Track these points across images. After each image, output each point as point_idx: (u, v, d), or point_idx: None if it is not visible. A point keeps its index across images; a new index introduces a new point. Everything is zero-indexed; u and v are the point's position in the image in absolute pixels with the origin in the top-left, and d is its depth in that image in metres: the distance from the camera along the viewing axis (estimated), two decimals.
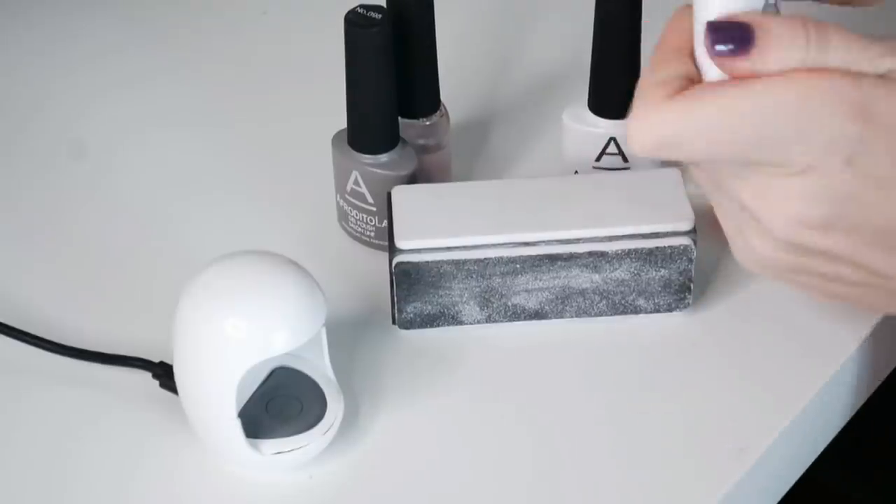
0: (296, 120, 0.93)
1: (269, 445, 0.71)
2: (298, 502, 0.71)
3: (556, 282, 0.77)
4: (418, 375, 0.77)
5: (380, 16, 0.78)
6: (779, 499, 0.77)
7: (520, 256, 0.76)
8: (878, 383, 0.82)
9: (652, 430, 0.74)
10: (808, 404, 0.75)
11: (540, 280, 0.77)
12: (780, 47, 0.60)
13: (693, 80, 0.62)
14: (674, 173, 0.79)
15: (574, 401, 0.75)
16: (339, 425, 0.72)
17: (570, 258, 0.76)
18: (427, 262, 0.76)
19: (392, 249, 0.77)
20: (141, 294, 0.82)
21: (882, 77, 0.60)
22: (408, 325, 0.78)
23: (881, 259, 0.63)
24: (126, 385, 0.76)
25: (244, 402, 0.72)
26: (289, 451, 0.71)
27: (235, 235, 0.84)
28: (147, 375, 0.75)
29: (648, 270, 0.77)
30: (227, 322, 0.68)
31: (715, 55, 0.60)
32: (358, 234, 0.84)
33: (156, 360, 0.75)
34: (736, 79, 0.60)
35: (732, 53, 0.60)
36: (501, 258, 0.76)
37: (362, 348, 0.78)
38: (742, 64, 0.60)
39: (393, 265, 0.76)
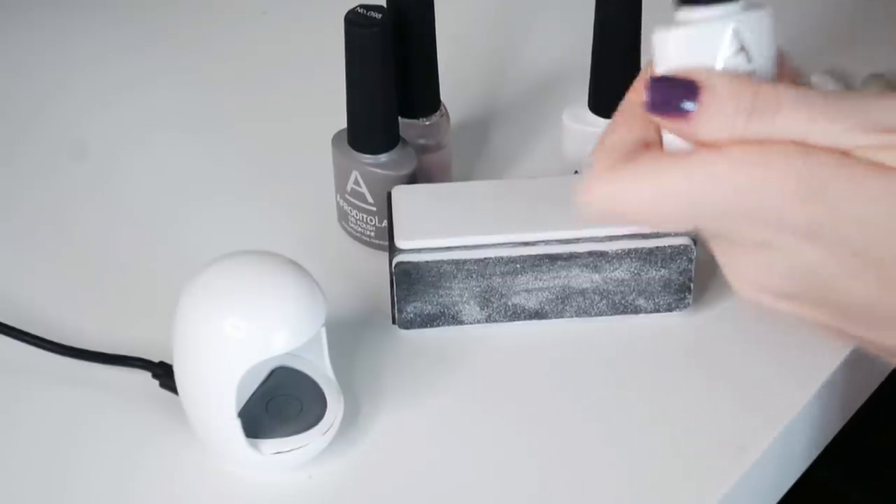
0: (296, 120, 0.93)
1: (269, 445, 0.71)
2: (298, 502, 0.71)
3: (556, 282, 0.77)
4: (418, 375, 0.77)
5: (380, 16, 0.78)
6: (778, 499, 0.77)
7: (520, 256, 0.76)
8: (877, 383, 0.82)
9: (652, 429, 0.74)
10: (807, 404, 0.75)
11: (540, 280, 0.77)
12: (721, 112, 0.56)
13: (649, 144, 0.59)
14: None
15: (574, 400, 0.75)
16: (338, 425, 0.72)
17: (570, 258, 0.76)
18: (427, 261, 0.76)
19: (392, 249, 0.77)
20: (141, 294, 0.82)
21: (843, 153, 0.56)
22: (408, 324, 0.78)
23: (859, 330, 0.59)
24: (126, 385, 0.76)
25: (244, 401, 0.72)
26: (288, 451, 0.71)
27: (235, 235, 0.84)
28: (147, 375, 0.75)
29: (648, 270, 0.77)
30: (227, 322, 0.68)
31: (651, 111, 0.58)
32: (358, 234, 0.84)
33: (156, 360, 0.75)
34: (697, 146, 0.57)
35: (672, 113, 0.57)
36: (501, 258, 0.76)
37: (362, 348, 0.78)
38: (683, 127, 0.57)
39: (393, 265, 0.77)
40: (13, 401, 0.77)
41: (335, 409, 0.72)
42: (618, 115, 0.61)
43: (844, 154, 0.56)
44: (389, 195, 0.79)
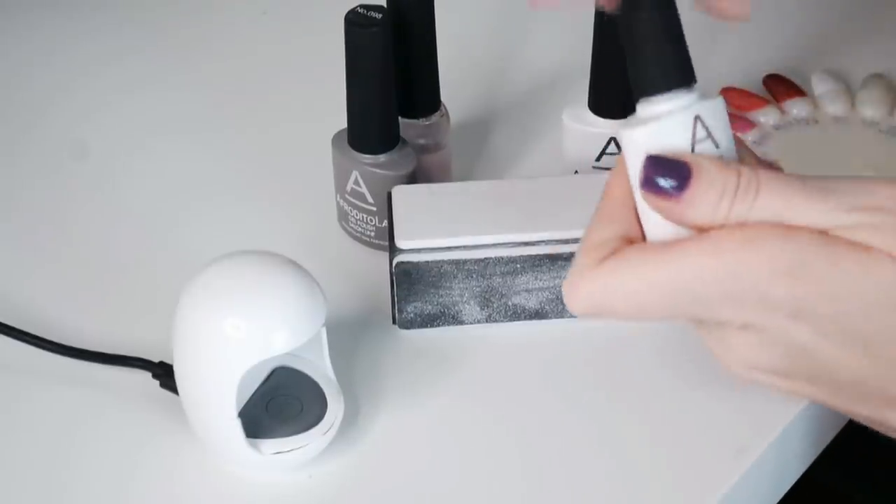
0: (296, 120, 0.93)
1: (269, 445, 0.71)
2: (298, 502, 0.71)
3: (556, 281, 0.77)
4: (418, 375, 0.77)
5: (380, 16, 0.78)
6: (778, 499, 0.77)
7: (520, 256, 0.76)
8: None
9: (651, 430, 0.74)
10: (807, 404, 0.75)
11: (540, 280, 0.77)
12: (709, 194, 0.57)
13: (632, 239, 0.60)
14: None
15: (573, 401, 0.75)
16: (339, 425, 0.72)
17: (571, 257, 0.76)
18: (427, 261, 0.76)
19: (392, 249, 0.77)
20: (141, 294, 0.82)
21: (822, 233, 0.57)
22: (408, 324, 0.78)
23: (855, 406, 0.60)
24: (126, 385, 0.76)
25: (244, 401, 0.72)
26: (289, 451, 0.71)
27: (235, 235, 0.84)
28: (147, 375, 0.75)
29: None
30: (228, 322, 0.68)
31: (644, 189, 0.58)
32: (358, 234, 0.84)
33: (156, 360, 0.75)
34: (679, 230, 0.59)
35: (664, 193, 0.58)
36: (501, 258, 0.76)
37: (362, 348, 0.78)
38: (673, 207, 0.58)
39: (393, 265, 0.77)
40: (13, 401, 0.77)
41: (335, 409, 0.72)
42: (599, 210, 0.61)
43: (823, 234, 0.57)
44: (389, 195, 0.79)
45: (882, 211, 0.57)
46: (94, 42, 1.01)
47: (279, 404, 0.73)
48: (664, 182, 0.58)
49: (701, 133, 0.59)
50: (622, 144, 0.61)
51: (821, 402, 0.61)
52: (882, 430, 0.61)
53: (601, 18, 0.80)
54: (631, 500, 0.71)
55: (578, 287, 0.60)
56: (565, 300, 0.60)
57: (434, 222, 0.77)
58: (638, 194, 0.60)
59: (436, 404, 0.75)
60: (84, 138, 0.93)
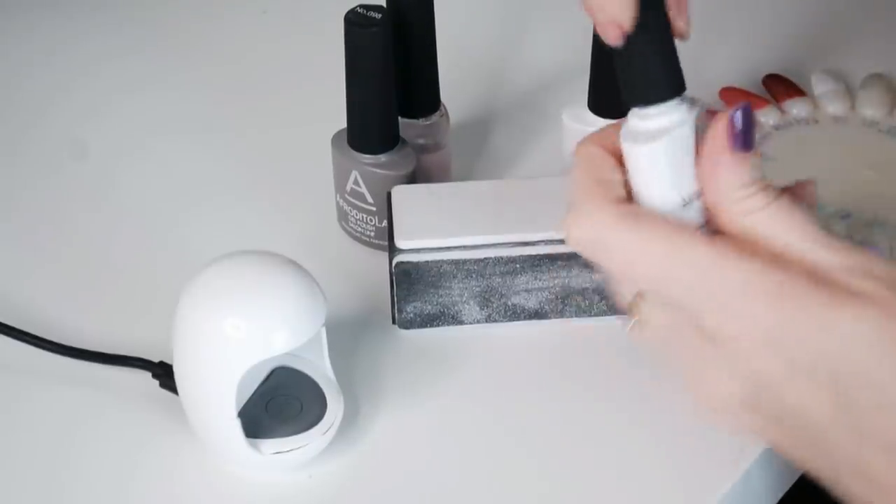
0: (295, 120, 0.93)
1: (269, 445, 0.71)
2: (298, 502, 0.71)
3: (555, 281, 0.77)
4: (418, 375, 0.77)
5: (380, 15, 0.78)
6: (778, 499, 0.77)
7: (519, 256, 0.76)
8: None
9: (652, 429, 0.74)
10: None
11: (540, 280, 0.77)
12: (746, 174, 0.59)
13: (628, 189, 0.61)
14: None
15: (573, 401, 0.75)
16: (338, 425, 0.72)
17: (570, 258, 0.76)
18: (427, 261, 0.76)
19: (392, 249, 0.77)
20: (141, 294, 0.82)
21: (812, 272, 0.57)
22: (408, 324, 0.78)
23: (813, 457, 0.59)
24: (126, 385, 0.76)
25: (244, 401, 0.72)
26: (288, 451, 0.71)
27: (235, 235, 0.84)
28: (147, 375, 0.75)
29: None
30: (227, 322, 0.68)
31: (735, 131, 0.59)
32: (358, 234, 0.84)
33: (156, 359, 0.75)
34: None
35: (745, 145, 0.59)
36: (501, 258, 0.76)
37: (362, 348, 0.78)
38: (737, 160, 0.59)
39: (393, 265, 0.77)
40: (13, 401, 0.77)
41: (335, 409, 0.72)
42: (584, 156, 0.62)
43: (813, 273, 0.57)
44: (389, 195, 0.79)
45: (879, 266, 0.57)
46: (93, 42, 1.01)
47: (279, 404, 0.73)
48: (748, 137, 0.59)
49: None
50: (629, 157, 0.61)
51: (782, 448, 0.60)
52: (836, 491, 0.59)
53: None
54: (631, 500, 0.71)
55: (592, 217, 0.60)
56: (568, 225, 0.60)
57: (434, 222, 0.77)
58: (643, 177, 0.61)
59: (435, 404, 0.75)
60: (84, 138, 0.93)
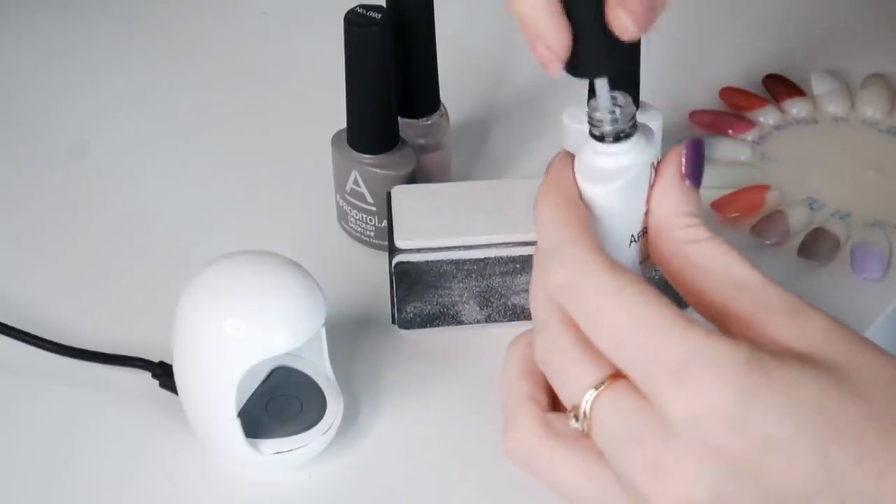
0: (295, 120, 0.93)
1: (269, 445, 0.71)
2: (298, 502, 0.71)
3: None
4: (418, 375, 0.77)
5: (379, 15, 0.78)
6: None
7: (519, 256, 0.76)
8: None
9: None
10: None
11: None
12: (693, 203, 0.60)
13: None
14: None
15: None
16: (338, 425, 0.72)
17: None
18: (427, 261, 0.76)
19: (392, 249, 0.77)
20: (141, 294, 0.82)
21: (781, 357, 0.54)
22: (408, 324, 0.78)
23: None
24: (126, 385, 0.76)
25: (244, 401, 0.72)
26: (288, 451, 0.71)
27: (235, 235, 0.84)
28: (147, 375, 0.75)
29: (649, 270, 0.77)
30: (227, 322, 0.68)
31: (691, 166, 0.60)
32: (357, 234, 0.84)
33: (155, 359, 0.75)
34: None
35: (693, 177, 0.60)
36: (501, 258, 0.76)
37: (362, 348, 0.78)
38: (691, 192, 0.60)
39: (393, 265, 0.77)
40: (13, 401, 0.77)
41: (335, 408, 0.72)
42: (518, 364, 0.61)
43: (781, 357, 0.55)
44: (389, 195, 0.79)
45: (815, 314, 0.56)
46: (92, 43, 1.01)
47: (279, 404, 0.73)
48: (698, 169, 0.60)
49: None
50: (583, 193, 0.61)
51: None
52: None
53: None
54: None
55: (517, 434, 0.60)
56: (503, 439, 0.60)
57: (433, 222, 0.77)
58: (595, 212, 0.60)
59: (435, 404, 0.75)
60: (84, 138, 0.93)
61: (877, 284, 0.81)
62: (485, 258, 0.76)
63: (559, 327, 0.58)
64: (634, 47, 0.81)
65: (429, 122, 0.84)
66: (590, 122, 0.61)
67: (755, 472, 0.54)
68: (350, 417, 0.74)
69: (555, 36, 0.61)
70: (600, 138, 0.61)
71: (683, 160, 0.60)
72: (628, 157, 0.60)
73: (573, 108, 0.84)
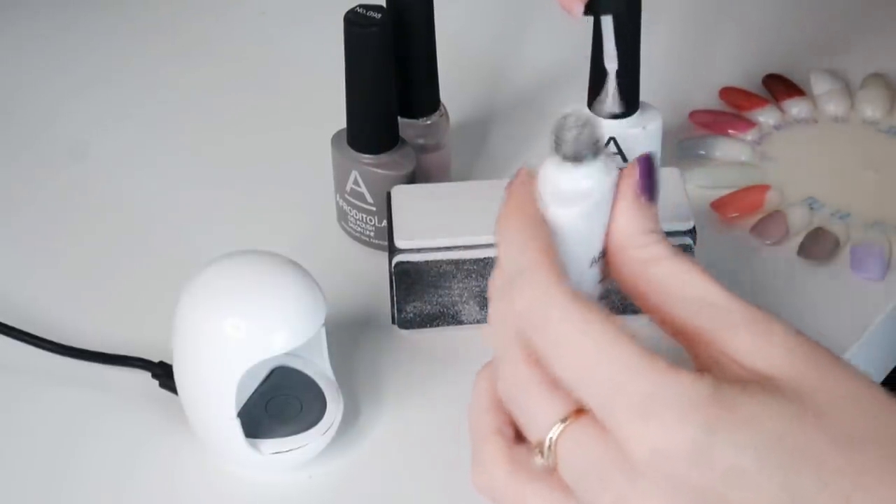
0: (295, 120, 0.93)
1: (269, 445, 0.71)
2: (298, 502, 0.71)
3: None
4: (418, 375, 0.77)
5: (379, 15, 0.78)
6: None
7: None
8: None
9: None
10: None
11: None
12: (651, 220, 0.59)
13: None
14: (674, 173, 0.79)
15: None
16: (338, 425, 0.72)
17: None
18: (427, 261, 0.76)
19: (392, 249, 0.77)
20: (140, 294, 0.82)
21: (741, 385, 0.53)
22: (408, 324, 0.78)
23: None
24: (126, 385, 0.76)
25: (244, 401, 0.72)
26: (288, 451, 0.71)
27: (235, 235, 0.84)
28: (146, 375, 0.75)
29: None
30: (227, 322, 0.68)
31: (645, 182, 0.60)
32: (357, 234, 0.84)
33: (155, 359, 0.75)
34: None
35: (647, 192, 0.59)
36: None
37: (362, 348, 0.78)
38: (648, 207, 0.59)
39: (393, 265, 0.77)
40: (13, 401, 0.77)
41: (335, 408, 0.72)
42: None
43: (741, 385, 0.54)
44: (389, 195, 0.79)
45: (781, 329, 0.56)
46: (92, 44, 1.01)
47: (279, 404, 0.73)
48: (652, 184, 0.59)
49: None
50: (546, 215, 0.60)
51: None
52: None
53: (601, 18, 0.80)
54: None
55: (485, 470, 0.59)
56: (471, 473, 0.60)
57: (433, 222, 0.77)
58: (556, 235, 0.60)
59: (435, 404, 0.75)
60: (84, 139, 0.93)
61: (877, 284, 0.81)
62: (485, 258, 0.76)
63: (521, 362, 0.58)
64: (635, 46, 0.81)
65: (429, 121, 0.84)
66: (555, 143, 0.60)
67: None
68: (350, 417, 0.74)
69: None
70: (565, 159, 0.60)
71: (637, 176, 0.59)
72: (592, 180, 0.59)
73: (573, 108, 0.84)
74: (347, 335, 0.78)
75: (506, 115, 0.93)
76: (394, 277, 0.77)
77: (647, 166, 0.60)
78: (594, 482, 0.55)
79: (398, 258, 0.76)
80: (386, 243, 0.78)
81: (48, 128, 0.94)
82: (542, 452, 0.56)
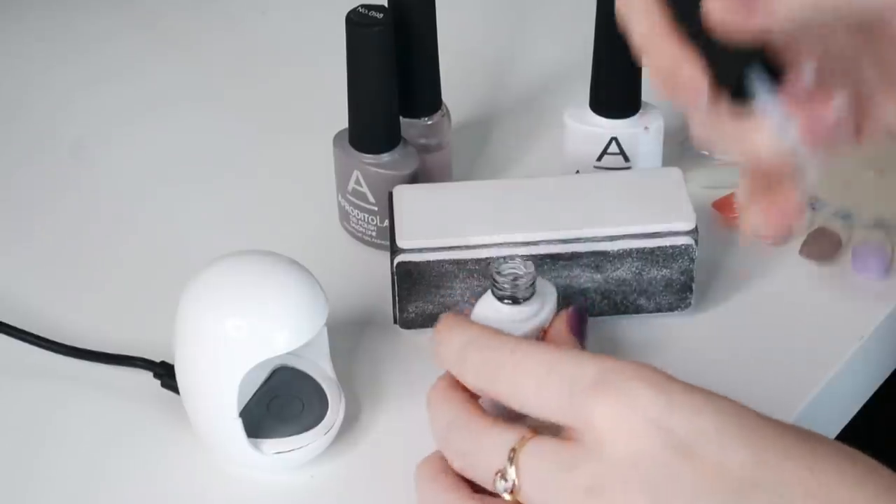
0: (297, 120, 0.93)
1: (271, 445, 0.71)
2: (300, 502, 0.71)
3: (557, 281, 0.77)
4: (420, 375, 0.76)
5: (381, 15, 0.78)
6: None
7: (521, 256, 0.76)
8: (876, 385, 0.82)
9: None
10: (807, 405, 0.75)
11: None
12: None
13: None
14: (675, 172, 0.79)
15: None
16: (340, 425, 0.72)
17: (572, 258, 0.76)
18: (428, 261, 0.76)
19: (393, 249, 0.77)
20: (142, 294, 0.82)
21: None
22: (409, 324, 0.78)
23: None
24: (127, 385, 0.76)
25: (245, 401, 0.72)
26: (290, 451, 0.71)
27: (237, 235, 0.84)
28: (148, 375, 0.75)
29: (650, 270, 0.77)
30: (229, 322, 0.68)
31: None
32: (359, 234, 0.84)
33: (157, 359, 0.75)
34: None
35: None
36: (503, 258, 0.76)
37: (364, 348, 0.78)
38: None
39: (394, 265, 0.76)
40: (13, 401, 0.77)
41: (336, 408, 0.72)
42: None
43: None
44: (391, 195, 0.79)
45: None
46: (92, 45, 1.01)
47: (280, 404, 0.73)
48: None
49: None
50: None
51: None
52: None
53: (602, 17, 0.80)
54: None
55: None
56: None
57: (435, 222, 0.77)
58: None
59: None
60: (86, 139, 0.93)
61: (877, 284, 0.81)
62: (487, 258, 0.76)
63: (466, 414, 0.62)
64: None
65: (430, 121, 0.84)
66: (492, 284, 0.70)
67: (688, 470, 0.54)
68: (352, 417, 0.74)
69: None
70: (500, 299, 0.70)
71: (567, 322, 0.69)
72: (521, 320, 0.70)
73: (575, 107, 0.84)
74: (349, 335, 0.78)
75: (507, 115, 0.93)
76: (395, 277, 0.77)
77: (575, 315, 0.70)
78: (559, 480, 0.57)
79: (400, 258, 0.76)
80: (388, 243, 0.78)
81: (50, 128, 0.94)
82: (503, 476, 0.58)
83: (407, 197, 0.79)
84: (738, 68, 0.58)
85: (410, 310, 0.78)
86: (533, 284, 0.70)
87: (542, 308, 0.71)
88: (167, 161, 0.91)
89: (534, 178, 0.81)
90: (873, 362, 0.80)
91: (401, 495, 0.72)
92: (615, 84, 0.82)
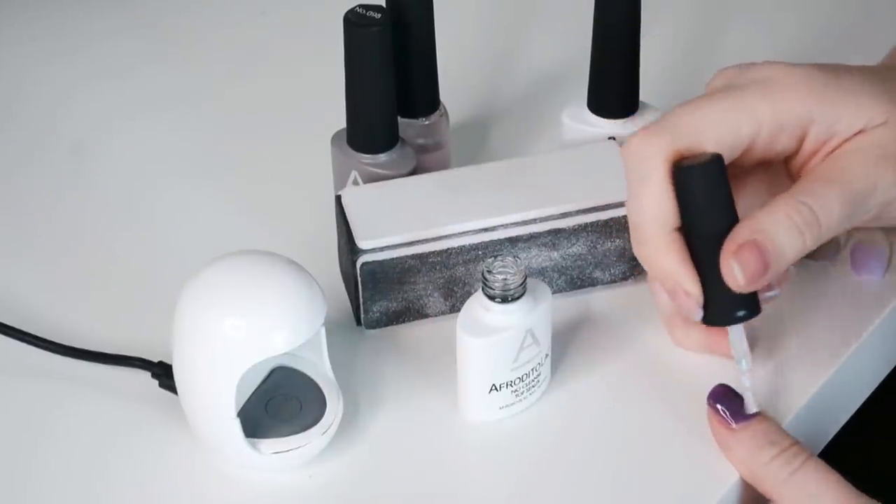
0: (295, 119, 0.93)
1: (269, 445, 0.71)
2: (298, 502, 0.71)
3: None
4: (418, 375, 0.77)
5: (379, 15, 0.78)
6: None
7: (481, 243, 0.76)
8: (875, 385, 0.82)
9: (641, 426, 0.74)
10: (807, 405, 0.75)
11: None
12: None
13: None
14: (612, 145, 0.80)
15: (573, 397, 0.75)
16: (338, 425, 0.72)
17: (530, 238, 0.77)
18: (392, 258, 0.76)
19: (354, 251, 0.76)
20: (140, 294, 0.82)
21: None
22: (374, 324, 0.78)
23: None
24: (125, 385, 0.76)
25: (243, 401, 0.72)
26: (288, 451, 0.71)
27: (235, 235, 0.84)
28: (146, 375, 0.75)
29: (604, 242, 0.78)
30: (227, 321, 0.68)
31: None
32: None
33: (155, 359, 0.75)
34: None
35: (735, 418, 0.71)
36: (463, 246, 0.76)
37: (362, 348, 0.78)
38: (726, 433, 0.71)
39: (358, 266, 0.76)
40: (11, 401, 0.76)
41: (334, 408, 0.72)
42: None
43: None
44: (339, 198, 0.78)
45: None
46: (92, 45, 1.00)
47: (278, 404, 0.73)
48: (735, 409, 0.71)
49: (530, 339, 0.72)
50: (463, 344, 0.71)
51: None
52: None
53: (601, 18, 0.80)
54: (631, 500, 0.71)
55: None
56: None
57: (390, 219, 0.77)
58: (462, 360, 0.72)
59: (435, 403, 0.75)
60: (86, 139, 0.93)
61: (877, 284, 0.81)
62: (447, 249, 0.76)
63: None
64: (634, 47, 0.81)
65: (428, 121, 0.84)
66: (483, 282, 0.70)
67: None
68: (349, 417, 0.74)
69: (694, 286, 0.69)
70: (490, 298, 0.70)
71: (718, 416, 0.71)
72: (510, 319, 0.70)
73: (573, 107, 0.84)
74: (347, 335, 0.78)
75: (506, 115, 0.93)
76: (360, 279, 0.76)
77: (721, 400, 0.72)
78: None
79: (363, 259, 0.76)
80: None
81: (49, 128, 0.94)
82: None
83: (357, 199, 0.78)
84: (729, 310, 0.69)
85: (375, 310, 0.78)
86: (524, 284, 0.70)
87: (533, 307, 0.71)
88: (166, 161, 0.91)
89: (479, 166, 0.81)
90: (872, 362, 0.80)
91: (399, 494, 0.72)
92: (613, 84, 0.82)
